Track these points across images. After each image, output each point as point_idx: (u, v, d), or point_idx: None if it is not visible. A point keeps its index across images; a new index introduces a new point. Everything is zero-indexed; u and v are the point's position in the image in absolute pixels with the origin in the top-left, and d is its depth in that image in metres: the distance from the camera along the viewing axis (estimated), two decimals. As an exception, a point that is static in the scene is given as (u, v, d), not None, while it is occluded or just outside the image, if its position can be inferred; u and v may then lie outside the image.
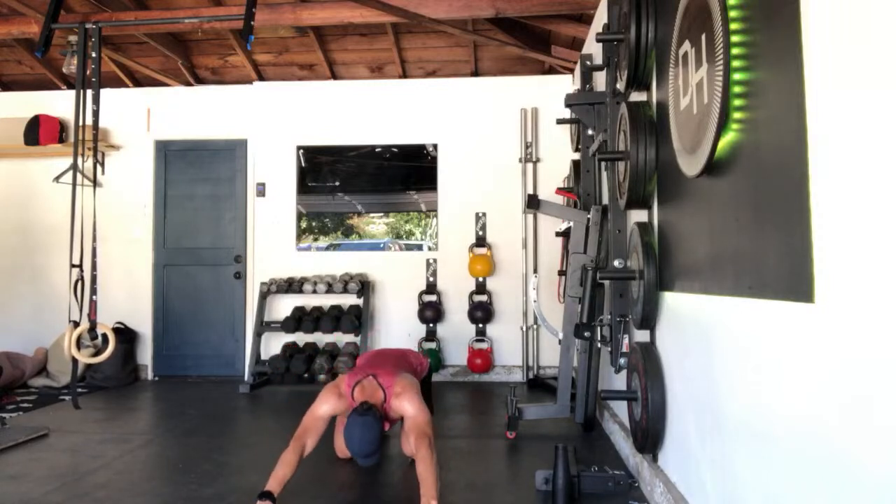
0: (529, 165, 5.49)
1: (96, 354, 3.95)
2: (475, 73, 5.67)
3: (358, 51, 5.46)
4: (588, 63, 4.15)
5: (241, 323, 5.68)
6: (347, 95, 5.68)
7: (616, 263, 2.94)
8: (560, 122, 4.53)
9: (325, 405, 2.78)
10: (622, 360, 2.88)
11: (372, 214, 5.69)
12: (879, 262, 1.13)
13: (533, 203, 3.79)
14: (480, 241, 5.49)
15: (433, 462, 2.49)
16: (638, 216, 2.90)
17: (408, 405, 2.74)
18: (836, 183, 1.26)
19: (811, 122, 1.35)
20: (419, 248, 5.60)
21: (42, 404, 4.64)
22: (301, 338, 5.43)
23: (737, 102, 1.73)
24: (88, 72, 3.89)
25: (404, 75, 5.69)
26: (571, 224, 3.81)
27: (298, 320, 5.21)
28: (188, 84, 5.80)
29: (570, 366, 3.80)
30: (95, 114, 3.88)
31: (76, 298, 3.76)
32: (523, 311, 5.44)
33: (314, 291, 5.28)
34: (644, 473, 2.75)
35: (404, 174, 5.69)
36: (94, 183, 3.93)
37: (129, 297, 5.68)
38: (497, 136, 5.54)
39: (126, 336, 5.47)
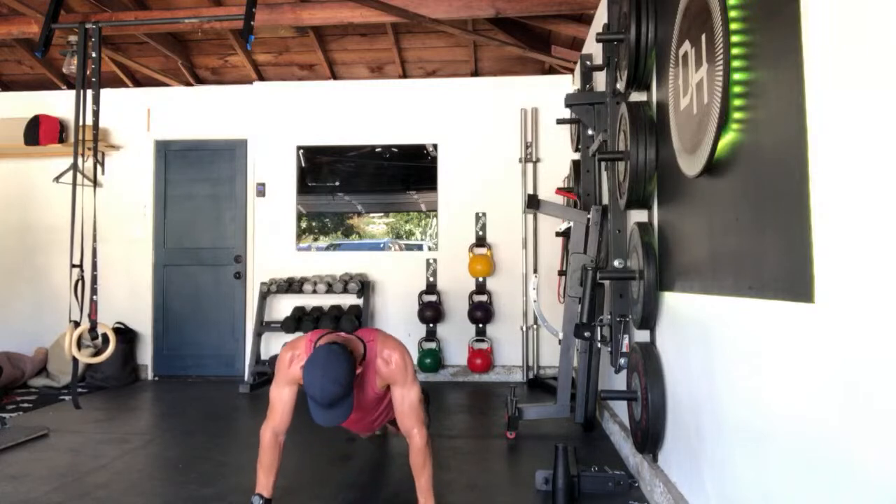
0: (529, 165, 5.49)
1: (96, 354, 3.95)
2: (475, 73, 5.67)
3: (358, 51, 5.46)
4: (588, 63, 4.15)
5: (241, 323, 5.68)
6: (347, 95, 5.68)
7: (616, 263, 2.94)
8: (560, 122, 4.53)
9: (281, 379, 2.36)
10: (622, 360, 2.87)
11: (372, 214, 5.69)
12: (879, 263, 1.13)
13: (533, 203, 3.79)
14: (480, 241, 5.49)
15: (428, 453, 2.34)
16: (638, 216, 2.90)
17: (396, 369, 2.36)
18: (835, 183, 1.26)
19: (811, 123, 1.35)
20: (419, 248, 5.60)
21: (42, 404, 4.64)
22: (301, 338, 5.43)
23: (737, 102, 1.73)
24: (88, 72, 3.89)
25: (404, 75, 5.69)
26: (571, 224, 3.81)
27: (298, 320, 5.21)
28: (188, 84, 5.80)
29: (570, 366, 3.80)
30: (95, 114, 3.88)
31: (76, 298, 3.76)
32: (523, 311, 5.44)
33: (314, 291, 5.28)
34: (644, 473, 2.75)
35: (404, 174, 5.68)
36: (94, 183, 3.93)
37: (129, 297, 5.68)
38: (497, 136, 5.53)
39: (126, 336, 5.47)
